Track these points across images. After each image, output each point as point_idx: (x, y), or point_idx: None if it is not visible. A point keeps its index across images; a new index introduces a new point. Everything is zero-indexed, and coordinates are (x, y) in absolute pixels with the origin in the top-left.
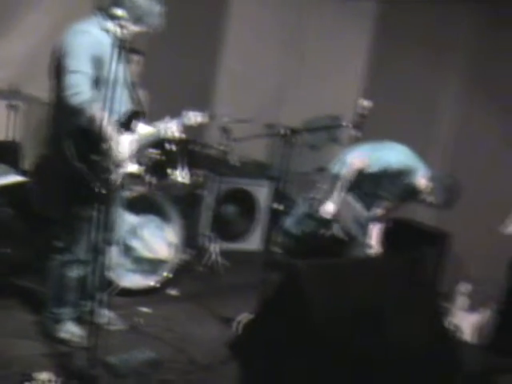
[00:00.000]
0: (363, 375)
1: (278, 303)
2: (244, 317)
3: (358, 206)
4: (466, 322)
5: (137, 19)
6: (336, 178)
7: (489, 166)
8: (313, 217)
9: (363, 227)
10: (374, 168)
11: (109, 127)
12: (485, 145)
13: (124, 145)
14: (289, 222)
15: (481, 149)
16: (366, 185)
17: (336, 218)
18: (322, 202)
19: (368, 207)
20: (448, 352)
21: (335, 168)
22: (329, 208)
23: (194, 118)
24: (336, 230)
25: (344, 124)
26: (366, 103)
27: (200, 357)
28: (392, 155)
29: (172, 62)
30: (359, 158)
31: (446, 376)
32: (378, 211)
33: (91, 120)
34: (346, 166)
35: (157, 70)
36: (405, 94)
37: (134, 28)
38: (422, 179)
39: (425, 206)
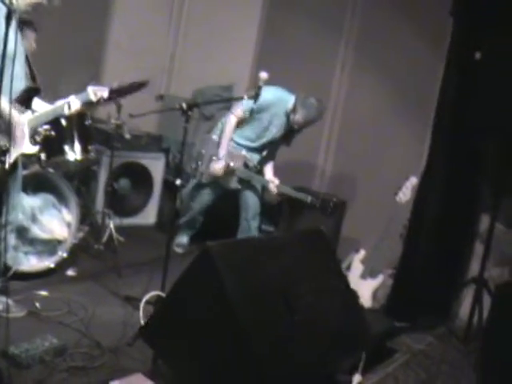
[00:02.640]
0: (280, 354)
1: (191, 284)
2: (151, 296)
3: (249, 155)
4: (363, 289)
5: None
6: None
7: (380, 133)
8: (204, 185)
9: (255, 171)
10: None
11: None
12: (373, 111)
13: (23, 124)
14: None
15: (369, 117)
16: (252, 130)
17: (229, 171)
18: (207, 165)
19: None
20: (358, 318)
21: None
22: (218, 166)
23: (100, 93)
24: (233, 184)
25: (242, 97)
26: (263, 75)
27: (106, 340)
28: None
29: (59, 37)
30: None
31: (357, 342)
32: (266, 153)
33: None
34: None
35: (44, 45)
36: (297, 61)
37: None
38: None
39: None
